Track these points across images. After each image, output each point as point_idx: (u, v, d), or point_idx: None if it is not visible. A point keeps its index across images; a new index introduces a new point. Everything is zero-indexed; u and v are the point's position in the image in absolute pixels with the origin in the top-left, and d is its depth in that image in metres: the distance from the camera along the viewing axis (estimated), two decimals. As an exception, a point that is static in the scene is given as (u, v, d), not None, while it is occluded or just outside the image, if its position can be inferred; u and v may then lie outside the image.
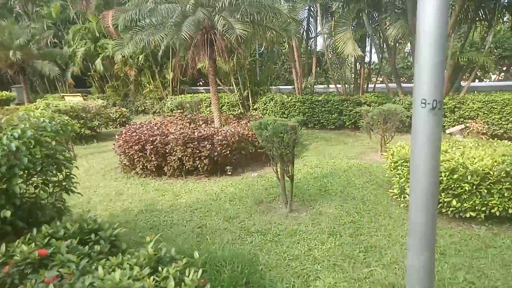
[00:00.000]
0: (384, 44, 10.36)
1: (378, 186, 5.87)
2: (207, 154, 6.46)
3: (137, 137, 6.73)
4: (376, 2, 9.04)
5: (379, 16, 9.49)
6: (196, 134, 6.59)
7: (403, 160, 4.85)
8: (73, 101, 14.45)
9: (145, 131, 6.97)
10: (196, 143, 6.52)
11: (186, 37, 6.46)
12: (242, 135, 7.02)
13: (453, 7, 8.52)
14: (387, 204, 5.12)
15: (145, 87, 16.96)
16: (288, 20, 7.83)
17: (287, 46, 12.76)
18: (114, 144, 7.23)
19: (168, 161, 6.62)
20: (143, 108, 17.53)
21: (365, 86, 11.45)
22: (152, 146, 6.52)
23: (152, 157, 6.60)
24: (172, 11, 6.68)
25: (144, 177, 6.83)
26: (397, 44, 10.62)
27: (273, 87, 14.62)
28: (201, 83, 21.32)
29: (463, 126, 9.27)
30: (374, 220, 4.59)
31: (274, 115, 12.29)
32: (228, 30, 6.56)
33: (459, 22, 9.15)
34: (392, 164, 5.11)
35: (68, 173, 3.15)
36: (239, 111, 13.54)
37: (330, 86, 13.95)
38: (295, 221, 4.63)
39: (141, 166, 6.79)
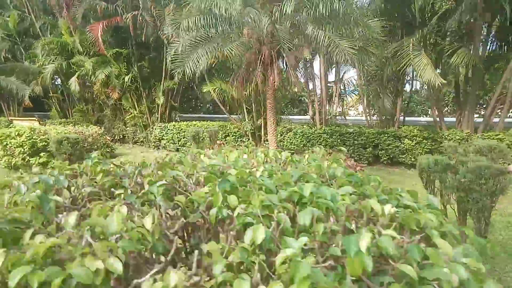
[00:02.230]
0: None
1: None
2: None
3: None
4: (437, 30, 8.40)
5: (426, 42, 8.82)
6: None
7: None
8: (25, 126, 11.67)
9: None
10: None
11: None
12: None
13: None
14: None
15: (127, 112, 14.68)
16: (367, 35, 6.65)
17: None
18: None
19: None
20: (122, 136, 15.06)
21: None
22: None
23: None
24: (260, 17, 5.14)
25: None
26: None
27: (283, 116, 13.33)
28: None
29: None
30: None
31: (294, 147, 10.96)
32: (335, 49, 5.19)
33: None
34: None
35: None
36: (248, 142, 11.96)
37: (347, 118, 13.06)
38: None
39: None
